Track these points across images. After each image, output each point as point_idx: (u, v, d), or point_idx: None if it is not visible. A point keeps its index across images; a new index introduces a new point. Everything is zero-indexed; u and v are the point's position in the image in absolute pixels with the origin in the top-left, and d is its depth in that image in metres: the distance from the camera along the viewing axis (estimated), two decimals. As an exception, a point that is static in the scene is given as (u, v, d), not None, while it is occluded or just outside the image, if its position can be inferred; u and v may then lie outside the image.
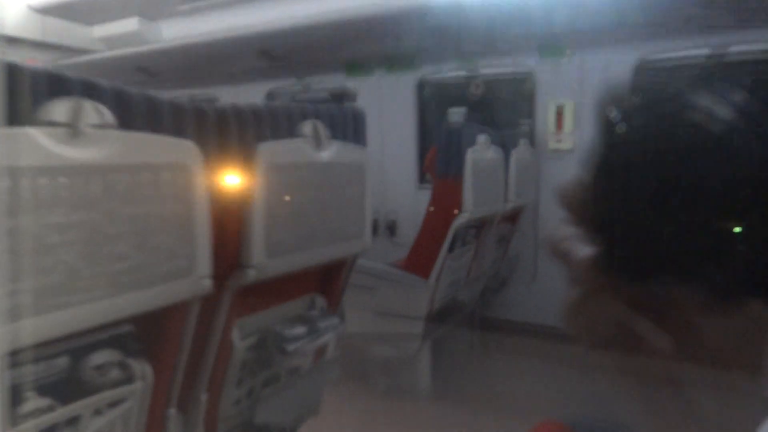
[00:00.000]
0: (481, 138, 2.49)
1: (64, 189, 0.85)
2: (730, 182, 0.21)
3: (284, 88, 4.40)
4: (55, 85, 0.87)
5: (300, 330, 1.40)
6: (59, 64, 4.37)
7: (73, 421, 0.95)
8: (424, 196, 2.86)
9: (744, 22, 2.80)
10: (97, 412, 0.99)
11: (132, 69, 4.43)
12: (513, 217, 3.22)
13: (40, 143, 0.82)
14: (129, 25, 4.29)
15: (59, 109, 0.86)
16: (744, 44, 2.89)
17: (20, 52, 4.06)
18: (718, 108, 0.21)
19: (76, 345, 0.95)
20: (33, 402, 0.88)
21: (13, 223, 0.78)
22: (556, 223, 0.29)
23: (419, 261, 2.51)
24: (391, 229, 3.91)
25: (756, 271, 0.22)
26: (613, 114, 0.24)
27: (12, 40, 3.95)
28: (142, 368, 1.05)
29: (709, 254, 0.22)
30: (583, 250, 0.27)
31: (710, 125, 0.21)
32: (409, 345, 2.58)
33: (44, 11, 4.20)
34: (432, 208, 2.59)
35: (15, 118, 0.81)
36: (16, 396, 0.86)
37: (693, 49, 3.03)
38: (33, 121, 0.83)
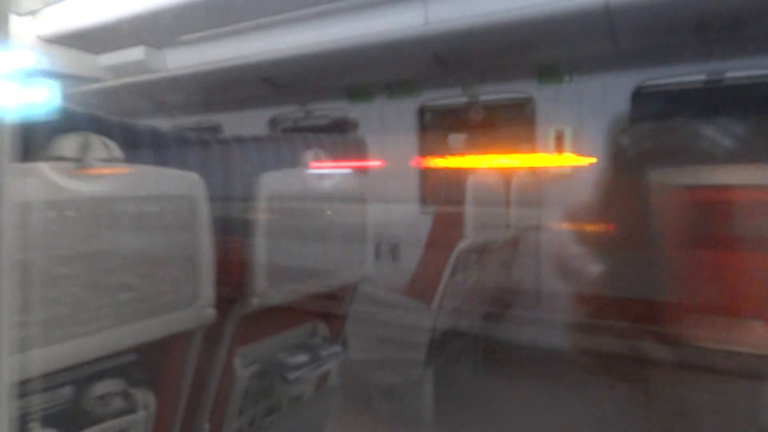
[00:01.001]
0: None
1: (72, 222, 0.87)
2: None
3: (287, 115, 4.45)
4: (64, 120, 0.90)
5: (302, 358, 1.40)
6: (67, 93, 4.44)
7: (76, 451, 0.95)
8: (426, 221, 2.87)
9: (740, 48, 2.84)
10: (100, 442, 0.99)
11: (138, 96, 4.50)
12: (515, 242, 3.22)
13: (49, 178, 0.85)
14: (135, 54, 4.37)
15: (68, 143, 0.88)
16: (740, 70, 2.93)
17: (29, 81, 4.13)
18: (717, 136, 0.24)
19: (80, 375, 0.96)
20: (37, 432, 0.88)
21: (22, 256, 0.80)
22: (561, 244, 0.31)
23: (421, 286, 2.51)
24: (394, 254, 3.92)
25: None
26: (624, 142, 0.26)
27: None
28: (144, 397, 1.06)
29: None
30: (592, 267, 0.28)
31: (711, 151, 0.24)
32: (412, 371, 2.57)
33: (53, 41, 4.28)
34: (434, 233, 2.60)
35: (25, 153, 0.83)
36: (20, 426, 0.86)
37: (690, 75, 3.06)
38: (43, 156, 0.85)
